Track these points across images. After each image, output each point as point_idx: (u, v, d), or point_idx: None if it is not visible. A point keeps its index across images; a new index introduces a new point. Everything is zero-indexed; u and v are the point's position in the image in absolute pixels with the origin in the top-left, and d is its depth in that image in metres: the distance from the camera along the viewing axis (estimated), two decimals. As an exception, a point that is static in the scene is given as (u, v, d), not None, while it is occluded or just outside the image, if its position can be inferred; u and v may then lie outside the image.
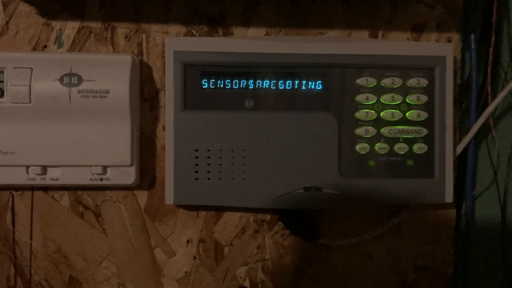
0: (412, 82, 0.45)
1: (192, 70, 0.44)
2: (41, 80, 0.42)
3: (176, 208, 0.47)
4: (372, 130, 0.45)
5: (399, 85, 0.45)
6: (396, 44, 0.45)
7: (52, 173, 0.44)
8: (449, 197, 0.45)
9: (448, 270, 0.49)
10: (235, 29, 0.47)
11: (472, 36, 0.47)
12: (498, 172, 0.50)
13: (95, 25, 0.46)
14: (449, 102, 0.45)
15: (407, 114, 0.45)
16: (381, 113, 0.45)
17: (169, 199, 0.44)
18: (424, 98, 0.45)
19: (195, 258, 0.47)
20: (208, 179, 0.44)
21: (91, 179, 0.44)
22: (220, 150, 0.44)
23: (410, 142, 0.45)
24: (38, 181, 0.43)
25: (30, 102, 0.42)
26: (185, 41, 0.44)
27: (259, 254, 0.48)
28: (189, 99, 0.44)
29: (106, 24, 0.46)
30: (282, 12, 0.47)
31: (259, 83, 0.45)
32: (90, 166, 0.44)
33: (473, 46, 0.47)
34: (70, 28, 0.46)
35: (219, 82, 0.44)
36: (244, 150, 0.44)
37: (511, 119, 0.50)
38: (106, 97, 0.43)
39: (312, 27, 0.48)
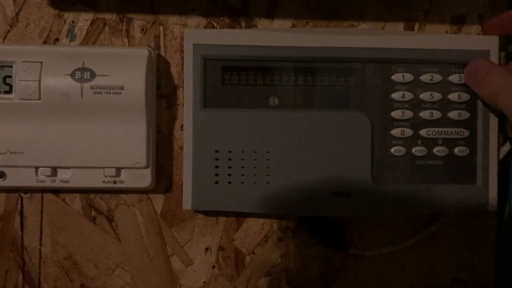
0: (453, 78, 0.41)
1: (213, 65, 0.41)
2: (52, 75, 0.39)
3: (194, 213, 0.44)
4: (408, 131, 0.41)
5: (438, 82, 0.41)
6: (435, 37, 0.41)
7: (62, 174, 0.41)
8: (492, 205, 0.41)
9: (489, 284, 0.45)
10: (259, 21, 0.44)
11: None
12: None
13: (109, 17, 0.43)
14: (493, 100, 0.41)
15: (447, 113, 0.41)
16: (419, 112, 0.41)
17: (187, 204, 0.41)
18: (466, 96, 0.41)
19: (214, 267, 0.44)
20: (229, 182, 0.41)
21: (104, 181, 0.41)
22: (242, 152, 0.41)
23: (450, 144, 0.41)
24: (48, 183, 0.41)
25: (40, 99, 0.39)
26: (205, 34, 0.41)
27: (283, 264, 0.44)
28: (209, 96, 0.41)
29: (121, 16, 0.43)
30: (309, 2, 0.44)
31: (284, 79, 0.41)
32: (103, 167, 0.41)
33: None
34: (83, 20, 0.43)
35: (241, 77, 0.41)
36: (268, 151, 0.41)
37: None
38: (120, 93, 0.39)
39: (342, 19, 0.44)
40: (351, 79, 0.41)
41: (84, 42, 0.43)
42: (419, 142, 0.41)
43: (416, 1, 0.44)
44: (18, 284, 0.43)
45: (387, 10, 0.44)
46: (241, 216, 0.44)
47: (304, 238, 0.45)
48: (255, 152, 0.41)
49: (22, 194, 0.43)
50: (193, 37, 0.41)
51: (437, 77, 0.41)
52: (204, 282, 0.44)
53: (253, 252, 0.44)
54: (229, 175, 0.41)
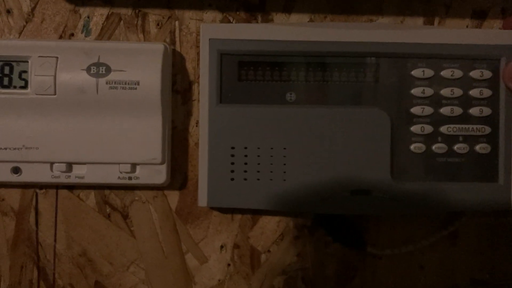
0: (474, 74, 0.40)
1: (229, 60, 0.40)
2: (67, 70, 0.39)
3: (210, 210, 0.43)
4: (428, 128, 0.40)
5: (459, 77, 0.40)
6: (456, 32, 0.40)
7: (77, 170, 0.40)
8: (515, 203, 0.40)
9: (510, 285, 0.44)
10: (276, 15, 0.43)
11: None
12: None
13: (125, 11, 0.43)
14: (516, 96, 0.40)
15: (468, 110, 0.40)
16: (439, 109, 0.40)
17: (202, 200, 0.40)
18: (487, 92, 0.40)
19: (229, 265, 0.44)
20: (245, 179, 0.40)
21: (119, 177, 0.40)
22: (258, 148, 0.40)
23: (471, 141, 0.40)
24: (63, 179, 0.40)
25: (55, 94, 0.39)
26: (222, 28, 0.40)
27: (299, 263, 0.44)
28: (225, 92, 0.40)
29: (137, 11, 0.43)
30: (327, -3, 0.43)
31: (301, 74, 0.40)
32: (118, 163, 0.40)
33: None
34: (98, 15, 0.43)
35: (258, 73, 0.40)
36: (284, 148, 0.40)
37: None
38: (136, 88, 0.39)
39: (360, 13, 0.43)
40: (369, 74, 0.40)
41: (99, 37, 0.43)
42: (439, 139, 0.40)
43: (436, -5, 0.43)
44: (33, 280, 0.43)
45: (406, 4, 0.43)
46: (256, 213, 0.44)
47: (320, 237, 0.44)
48: (272, 148, 0.40)
49: (37, 190, 0.43)
50: (210, 32, 0.40)
51: (458, 73, 0.40)
52: (219, 280, 0.44)
53: (268, 250, 0.44)
54: (245, 171, 0.40)
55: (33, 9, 0.43)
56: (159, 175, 0.41)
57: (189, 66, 0.43)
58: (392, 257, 0.44)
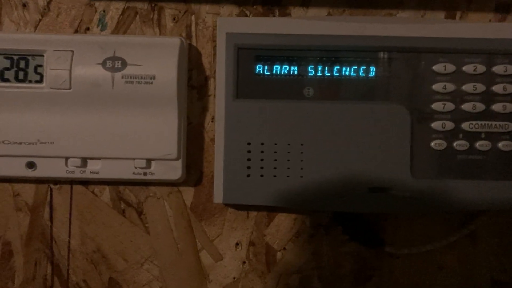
0: (497, 69, 0.39)
1: (246, 54, 0.40)
2: (83, 64, 0.39)
3: (225, 207, 0.43)
4: (449, 124, 0.39)
5: (482, 73, 0.39)
6: (479, 26, 0.39)
7: (92, 165, 0.40)
8: (539, 203, 0.39)
9: (532, 287, 0.43)
10: (293, 9, 0.42)
11: None
12: None
13: (141, 5, 0.42)
14: (541, 93, 0.39)
15: (491, 106, 0.39)
16: (461, 105, 0.39)
17: (218, 197, 0.40)
18: (511, 88, 0.39)
19: (244, 262, 0.43)
20: (261, 176, 0.39)
21: (133, 173, 0.40)
22: (275, 144, 0.39)
23: (493, 138, 0.39)
24: (78, 174, 0.40)
25: (70, 88, 0.39)
26: (239, 22, 0.39)
27: (315, 261, 0.43)
28: (241, 87, 0.40)
29: (153, 5, 0.42)
30: (346, -10, 0.42)
31: (319, 69, 0.40)
32: (133, 159, 0.40)
33: None
34: (114, 9, 0.42)
35: (275, 67, 0.40)
36: (302, 144, 0.39)
37: None
38: (151, 83, 0.39)
39: (380, 7, 0.42)
40: (389, 69, 0.39)
41: (115, 32, 0.42)
42: (461, 136, 0.39)
43: (457, -12, 0.42)
44: (47, 275, 0.43)
45: (427, -2, 0.42)
46: (272, 210, 0.43)
47: (337, 235, 0.43)
48: (289, 144, 0.39)
49: (52, 185, 0.43)
50: (226, 26, 0.40)
51: (481, 68, 0.39)
52: (234, 278, 0.43)
53: (284, 248, 0.43)
54: (261, 168, 0.40)
55: (48, 3, 0.42)
56: (175, 171, 0.40)
57: (205, 61, 0.43)
58: (410, 256, 0.43)
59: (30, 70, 0.40)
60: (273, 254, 0.43)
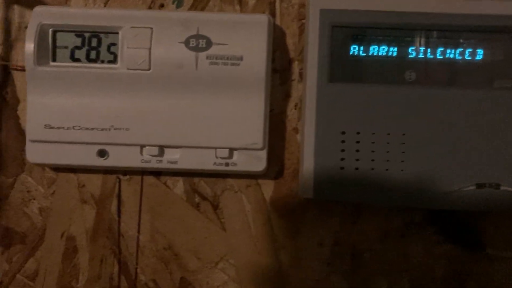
0: None
1: (342, 33, 0.36)
2: (163, 42, 0.35)
3: (307, 202, 0.39)
4: None
5: None
6: None
7: (170, 155, 0.36)
8: None
9: None
10: (390, -15, 0.38)
11: None
12: None
13: (220, -20, 0.38)
14: None
15: None
16: None
17: (306, 191, 0.36)
18: None
19: (328, 263, 0.39)
20: (356, 169, 0.36)
21: (214, 163, 0.36)
22: (373, 134, 0.35)
23: None
24: (154, 163, 0.36)
25: (149, 69, 0.35)
26: (335, -2, 0.35)
27: (405, 263, 0.39)
28: (336, 69, 0.36)
29: (233, -20, 0.38)
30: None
31: (423, 50, 0.36)
32: (215, 148, 0.36)
33: None
34: (191, -16, 0.38)
35: (372, 48, 0.36)
36: (403, 134, 0.35)
37: None
38: (239, 64, 0.35)
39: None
40: (503, 51, 0.35)
41: (192, 9, 0.39)
42: None
43: None
44: (113, 274, 0.40)
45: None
46: (359, 207, 0.39)
47: (430, 235, 0.39)
48: (388, 134, 0.35)
49: (121, 176, 0.39)
50: (320, 2, 0.36)
51: None
52: (317, 280, 0.39)
53: (371, 249, 0.39)
54: (357, 160, 0.36)
55: (120, -24, 0.39)
56: (259, 161, 0.37)
57: (290, 41, 0.39)
58: (513, 260, 0.39)
59: (103, 49, 0.36)
60: (359, 254, 0.39)
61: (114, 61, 0.36)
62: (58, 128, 0.35)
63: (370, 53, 0.36)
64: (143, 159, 0.36)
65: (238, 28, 0.35)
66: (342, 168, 0.36)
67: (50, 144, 0.36)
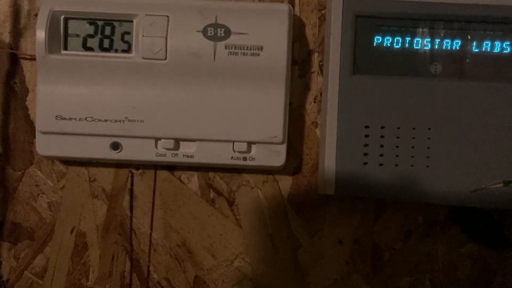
0: None
1: (366, 24, 0.34)
2: (180, 31, 0.33)
3: (326, 199, 0.38)
4: None
5: None
6: None
7: (186, 148, 0.35)
8: None
9: None
10: (415, -26, 0.36)
11: None
12: None
13: (238, -32, 0.37)
14: None
15: None
16: None
17: (327, 187, 0.35)
18: None
19: (348, 263, 0.38)
20: (380, 164, 0.34)
21: (232, 157, 0.35)
22: (398, 128, 0.34)
23: None
24: (169, 157, 0.35)
25: (166, 59, 0.34)
26: (359, -14, 0.34)
27: (428, 263, 0.38)
28: (360, 61, 0.34)
29: (252, -33, 0.37)
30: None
31: (447, 42, 0.34)
32: (233, 141, 0.34)
33: None
34: (208, -29, 0.37)
35: (398, 39, 0.34)
36: (429, 129, 0.34)
37: None
38: (258, 55, 0.33)
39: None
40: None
41: (209, -3, 0.37)
42: None
43: None
44: (125, 272, 0.38)
45: None
46: (381, 204, 0.38)
47: (454, 234, 0.38)
48: (414, 129, 0.34)
49: (133, 170, 0.38)
50: (344, -10, 0.34)
51: None
52: (336, 280, 0.38)
53: (393, 248, 0.38)
54: (381, 155, 0.34)
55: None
56: (278, 156, 0.35)
57: (309, 32, 0.37)
58: (540, 260, 0.37)
59: (116, 37, 0.35)
60: (381, 254, 0.38)
61: (128, 50, 0.35)
62: (70, 119, 0.34)
63: (395, 44, 0.35)
64: (158, 153, 0.35)
65: (257, 17, 0.34)
66: (365, 163, 0.34)
67: (61, 136, 0.34)
